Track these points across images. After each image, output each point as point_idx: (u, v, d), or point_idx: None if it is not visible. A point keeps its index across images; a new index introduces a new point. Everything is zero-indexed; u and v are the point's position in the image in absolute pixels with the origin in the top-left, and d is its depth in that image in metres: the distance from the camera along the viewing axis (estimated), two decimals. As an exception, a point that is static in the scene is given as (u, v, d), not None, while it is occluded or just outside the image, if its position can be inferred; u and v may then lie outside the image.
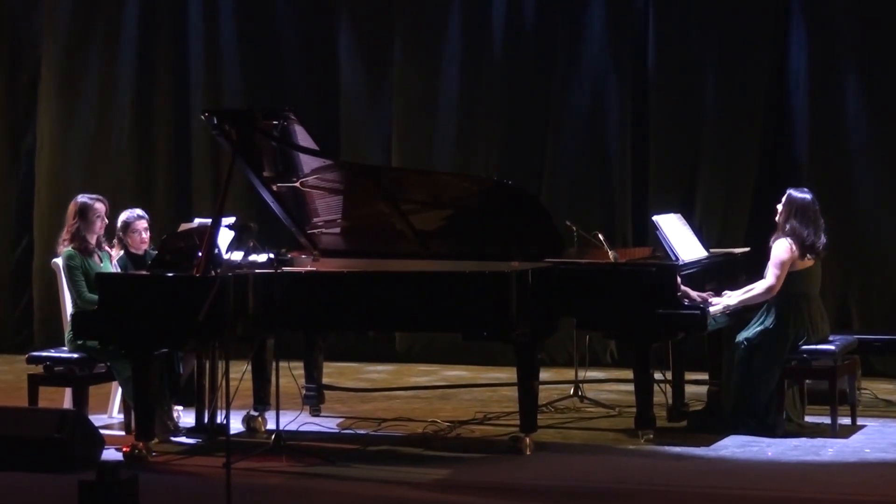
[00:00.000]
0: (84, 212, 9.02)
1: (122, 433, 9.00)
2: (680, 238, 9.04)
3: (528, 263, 8.48)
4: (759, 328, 8.76)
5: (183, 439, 8.83)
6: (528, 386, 8.35)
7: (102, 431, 8.44)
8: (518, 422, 8.42)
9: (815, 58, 11.51)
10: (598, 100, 12.04)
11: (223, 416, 8.34)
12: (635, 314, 8.46)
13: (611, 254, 8.94)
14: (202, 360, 9.03)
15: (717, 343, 9.37)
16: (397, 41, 12.49)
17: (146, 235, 9.28)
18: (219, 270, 8.16)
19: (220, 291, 7.84)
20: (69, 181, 12.72)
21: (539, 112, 12.17)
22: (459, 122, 12.35)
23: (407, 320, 8.62)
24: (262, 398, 9.27)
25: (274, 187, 9.05)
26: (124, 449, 8.37)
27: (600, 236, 9.15)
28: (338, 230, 9.26)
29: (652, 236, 9.82)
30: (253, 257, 8.42)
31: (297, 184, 8.99)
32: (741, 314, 8.94)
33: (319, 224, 9.21)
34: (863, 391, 9.75)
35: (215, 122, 8.78)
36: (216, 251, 8.33)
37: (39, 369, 9.01)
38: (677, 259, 8.79)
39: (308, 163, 8.90)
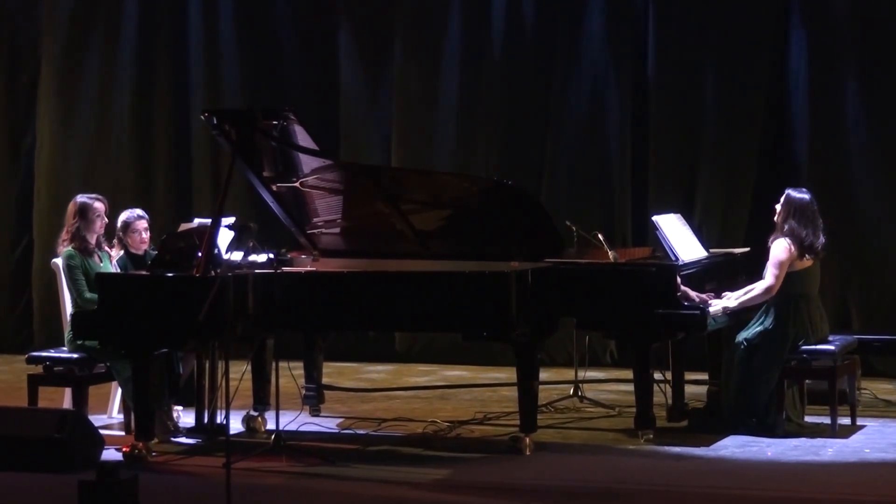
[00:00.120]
0: (84, 211, 9.01)
1: (122, 433, 9.00)
2: (680, 238, 9.04)
3: (528, 263, 8.48)
4: (758, 328, 8.76)
5: (183, 439, 8.83)
6: (527, 386, 8.35)
7: (102, 431, 8.45)
8: (518, 422, 8.42)
9: (815, 58, 11.51)
10: (598, 100, 12.04)
11: (223, 416, 8.34)
12: (635, 314, 8.46)
13: (611, 254, 8.94)
14: (202, 360, 9.03)
15: (717, 343, 9.37)
16: (397, 41, 12.49)
17: (146, 235, 9.28)
18: (219, 270, 8.16)
19: (219, 291, 7.84)
20: (69, 181, 12.73)
21: (539, 112, 12.17)
22: (459, 122, 12.35)
23: (407, 320, 8.62)
24: (262, 398, 9.27)
25: (274, 187, 9.05)
26: (124, 449, 8.37)
27: (600, 236, 9.15)
28: (338, 230, 9.26)
29: (652, 236, 9.82)
30: (253, 257, 8.42)
31: (297, 184, 8.99)
32: (741, 314, 8.94)
33: (319, 224, 9.21)
34: (862, 391, 9.75)
35: (215, 122, 8.78)
36: (216, 251, 8.33)
37: (39, 369, 9.01)
38: (677, 259, 8.79)
39: (308, 163, 8.90)
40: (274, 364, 8.68)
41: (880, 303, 11.39)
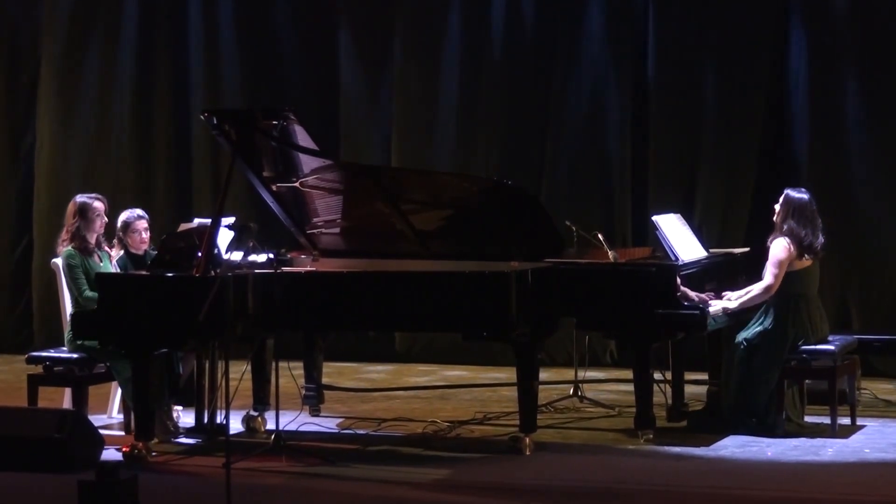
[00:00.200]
0: (84, 211, 9.01)
1: (122, 433, 9.00)
2: (680, 238, 9.04)
3: (528, 263, 8.48)
4: (758, 328, 8.76)
5: (183, 439, 8.83)
6: (527, 386, 8.35)
7: (102, 431, 8.45)
8: (518, 422, 8.42)
9: (815, 58, 11.51)
10: (597, 100, 12.04)
11: (223, 416, 8.35)
12: (635, 314, 8.46)
13: (610, 254, 8.94)
14: (202, 361, 9.03)
15: (717, 343, 9.37)
16: (397, 41, 12.49)
17: (146, 235, 9.28)
18: (219, 270, 8.16)
19: (219, 291, 7.84)
20: (69, 181, 12.73)
21: (539, 112, 12.17)
22: (459, 122, 12.35)
23: (407, 320, 8.63)
24: (262, 398, 9.27)
25: (274, 187, 9.05)
26: (124, 449, 8.37)
27: (600, 236, 9.15)
28: (337, 230, 9.26)
29: (652, 236, 9.82)
30: (252, 257, 8.42)
31: (297, 184, 8.99)
32: (740, 314, 8.94)
33: (319, 224, 9.21)
34: (862, 391, 9.75)
35: (215, 122, 8.78)
36: (216, 251, 8.33)
37: (39, 369, 9.01)
38: (677, 259, 8.79)
39: (308, 163, 8.90)
40: (274, 364, 8.68)
41: (880, 303, 11.39)
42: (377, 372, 11.83)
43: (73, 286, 8.94)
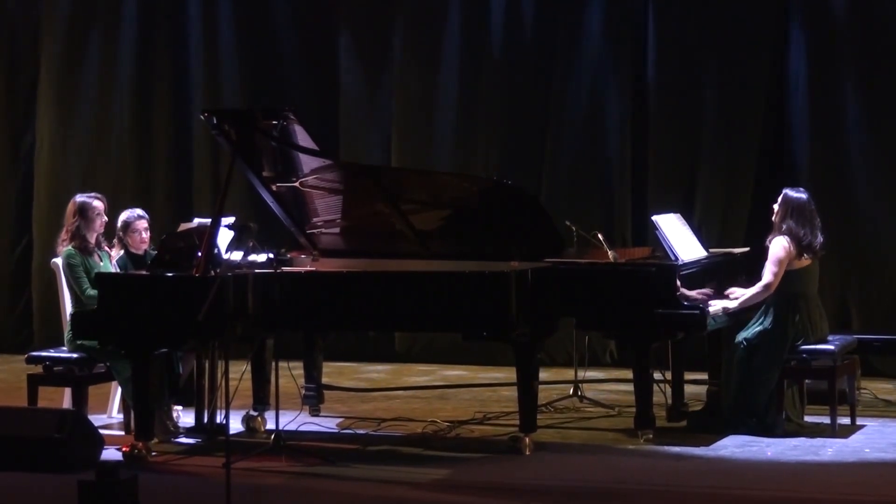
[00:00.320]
0: (84, 210, 9.02)
1: (122, 433, 9.00)
2: (679, 238, 9.04)
3: (528, 263, 8.48)
4: (758, 328, 8.76)
5: (183, 439, 8.83)
6: (527, 386, 8.35)
7: (102, 431, 8.44)
8: (518, 422, 8.42)
9: (815, 58, 11.51)
10: (597, 100, 12.04)
11: (223, 416, 8.35)
12: (635, 314, 8.46)
13: (610, 254, 8.94)
14: (202, 360, 9.03)
15: (717, 343, 9.37)
16: (397, 41, 12.49)
17: (146, 235, 9.28)
18: (218, 270, 8.16)
19: (219, 291, 7.84)
20: (68, 181, 12.73)
21: (539, 112, 12.17)
22: (459, 122, 12.35)
23: (407, 320, 8.63)
24: (262, 398, 9.27)
25: (273, 187, 9.05)
26: (124, 449, 8.37)
27: (600, 236, 9.15)
28: (337, 230, 9.26)
29: (651, 236, 9.82)
30: (252, 257, 8.42)
31: (297, 184, 8.99)
32: (740, 314, 8.94)
33: (319, 224, 9.21)
34: (862, 391, 9.75)
35: (215, 121, 8.78)
36: (216, 251, 8.33)
37: (39, 369, 9.02)
38: (677, 259, 8.79)
39: (308, 163, 8.90)
40: (274, 364, 8.68)
41: (880, 303, 11.39)
42: (377, 372, 11.83)
43: (76, 285, 8.93)
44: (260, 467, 7.99)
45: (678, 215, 9.38)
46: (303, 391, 9.54)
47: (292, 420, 8.86)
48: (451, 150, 12.33)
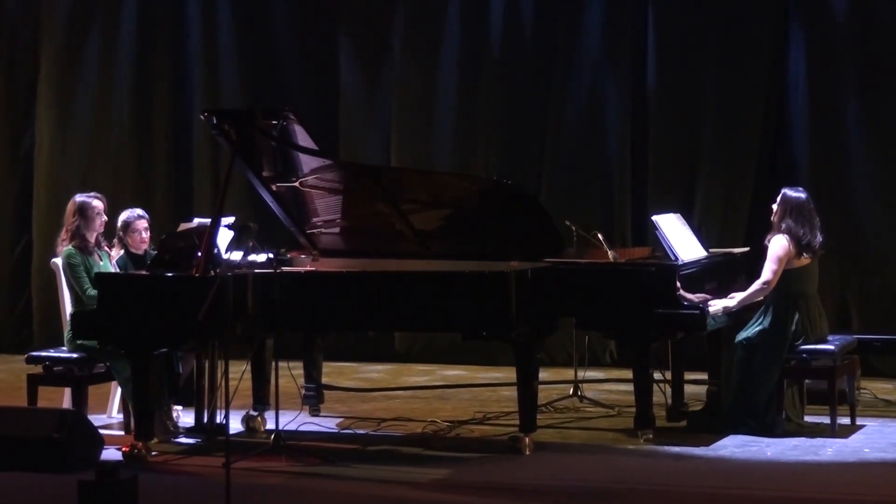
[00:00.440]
0: (84, 210, 9.02)
1: (122, 433, 9.00)
2: (679, 238, 9.04)
3: (528, 263, 8.48)
4: (758, 328, 8.76)
5: (182, 439, 8.83)
6: (527, 386, 8.35)
7: (102, 431, 8.44)
8: (517, 422, 8.42)
9: (815, 58, 11.51)
10: (597, 99, 12.04)
11: (222, 416, 8.35)
12: (635, 314, 8.46)
13: (610, 254, 8.94)
14: (202, 360, 9.03)
15: (717, 343, 9.37)
16: (397, 41, 12.49)
17: (146, 235, 9.28)
18: (218, 270, 8.16)
19: (219, 291, 7.84)
20: (68, 181, 12.72)
21: (539, 112, 12.17)
22: (459, 122, 12.35)
23: (407, 320, 8.63)
24: (262, 398, 9.27)
25: (273, 187, 9.05)
26: (124, 449, 8.37)
27: (600, 236, 9.16)
28: (337, 230, 9.26)
29: (651, 236, 9.82)
30: (252, 257, 8.41)
31: (297, 184, 8.99)
32: (740, 314, 8.94)
33: (319, 224, 9.21)
34: (862, 391, 9.75)
35: (215, 121, 8.78)
36: (216, 251, 8.33)
37: (39, 369, 9.01)
38: (677, 259, 8.79)
39: (307, 163, 8.90)
40: (273, 364, 8.68)
41: (880, 303, 11.39)
42: (377, 372, 11.83)
43: (76, 284, 8.93)
44: (260, 467, 7.99)
45: (678, 215, 9.38)
46: (303, 391, 9.54)
47: (292, 420, 8.86)
48: (451, 150, 12.33)
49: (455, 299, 8.23)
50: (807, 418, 8.92)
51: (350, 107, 12.63)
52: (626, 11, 11.97)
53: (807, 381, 8.92)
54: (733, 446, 8.42)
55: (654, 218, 9.08)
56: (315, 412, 9.55)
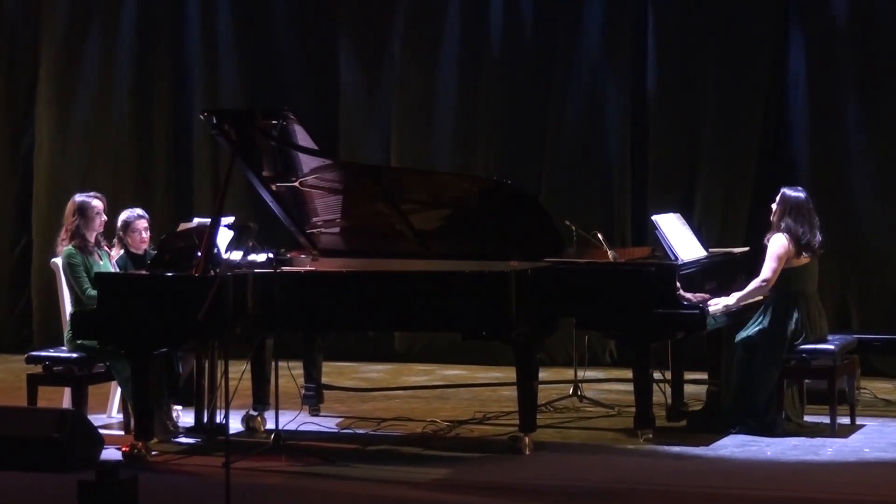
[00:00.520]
0: (83, 209, 9.01)
1: (122, 433, 8.99)
2: (679, 238, 9.04)
3: (528, 263, 8.48)
4: (757, 328, 8.76)
5: (182, 439, 8.83)
6: (527, 385, 8.35)
7: (102, 431, 8.44)
8: (517, 421, 8.42)
9: (815, 58, 11.51)
10: (597, 99, 12.04)
11: (222, 416, 8.35)
12: (634, 314, 8.47)
13: (610, 253, 8.94)
14: (201, 360, 9.02)
15: (717, 343, 9.37)
16: (397, 41, 12.49)
17: (146, 235, 9.28)
18: (218, 270, 8.16)
19: (219, 291, 7.84)
20: (68, 181, 12.72)
21: (539, 112, 12.17)
22: (459, 122, 12.35)
23: (406, 320, 8.63)
24: (262, 398, 9.27)
25: (273, 187, 9.05)
26: (124, 449, 8.36)
27: (599, 236, 9.16)
28: (337, 230, 9.26)
29: (651, 236, 9.82)
30: (252, 257, 8.42)
31: (297, 183, 8.99)
32: (740, 314, 8.94)
33: (319, 224, 9.21)
34: (862, 391, 9.75)
35: (215, 121, 8.78)
36: (215, 251, 8.33)
37: (38, 369, 9.01)
38: (676, 259, 8.79)
39: (307, 162, 8.90)
40: (273, 364, 8.68)
41: (880, 302, 11.39)
42: (376, 371, 11.83)
43: (76, 284, 8.93)
44: (260, 467, 7.99)
45: (678, 215, 9.38)
46: (302, 391, 9.54)
47: (292, 420, 8.86)
48: (450, 150, 12.33)
49: (455, 299, 8.23)
50: (807, 418, 8.92)
51: (350, 107, 12.63)
52: (625, 12, 11.98)
53: (807, 380, 8.92)
54: (733, 446, 8.42)
55: (654, 218, 9.09)
56: (315, 412, 9.55)
